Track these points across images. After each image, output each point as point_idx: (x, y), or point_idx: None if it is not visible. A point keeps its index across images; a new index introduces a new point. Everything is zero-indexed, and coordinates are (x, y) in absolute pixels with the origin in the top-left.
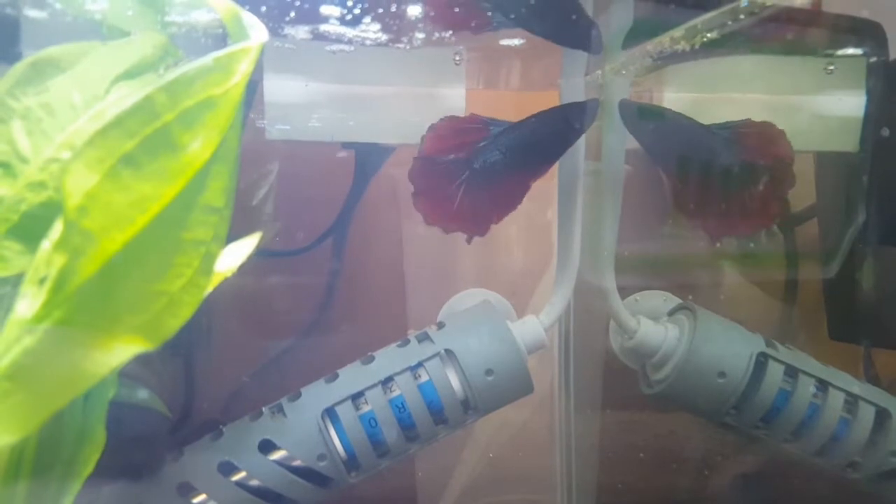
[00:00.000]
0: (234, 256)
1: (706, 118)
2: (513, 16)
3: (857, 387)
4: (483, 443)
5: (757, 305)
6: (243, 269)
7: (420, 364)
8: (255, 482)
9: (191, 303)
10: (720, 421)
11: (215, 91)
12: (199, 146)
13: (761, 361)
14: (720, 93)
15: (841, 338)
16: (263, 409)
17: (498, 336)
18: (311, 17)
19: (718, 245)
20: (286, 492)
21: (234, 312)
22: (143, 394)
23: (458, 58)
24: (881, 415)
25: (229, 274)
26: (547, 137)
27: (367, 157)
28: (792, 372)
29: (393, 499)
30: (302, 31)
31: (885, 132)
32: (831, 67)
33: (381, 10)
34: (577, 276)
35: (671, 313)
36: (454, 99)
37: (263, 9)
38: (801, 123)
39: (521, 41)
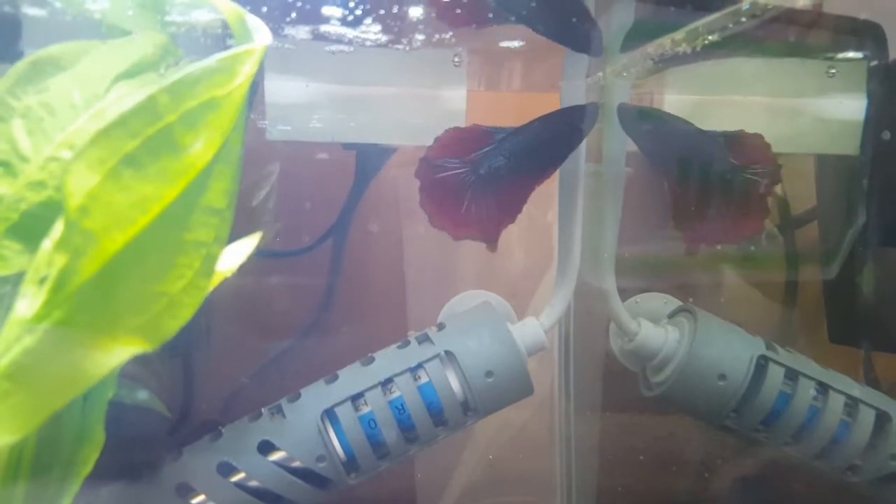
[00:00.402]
0: (234, 256)
1: (708, 121)
2: (515, 14)
3: (857, 390)
4: (483, 444)
5: (757, 308)
6: (244, 269)
7: (420, 365)
8: (254, 483)
9: (191, 304)
10: (720, 424)
11: (218, 92)
12: (201, 147)
13: (762, 364)
14: (722, 95)
15: (841, 341)
16: (263, 409)
17: (498, 338)
18: (311, 17)
19: (718, 248)
20: (285, 493)
21: (234, 313)
22: (142, 394)
23: (457, 59)
24: (881, 418)
25: (229, 274)
26: (550, 141)
27: (368, 158)
28: (792, 375)
29: (392, 500)
30: (302, 32)
31: (886, 135)
32: (833, 70)
33: (381, 11)
34: (578, 277)
35: (671, 316)
36: (455, 100)
37: (264, 9)
38: (802, 126)
39: (522, 43)
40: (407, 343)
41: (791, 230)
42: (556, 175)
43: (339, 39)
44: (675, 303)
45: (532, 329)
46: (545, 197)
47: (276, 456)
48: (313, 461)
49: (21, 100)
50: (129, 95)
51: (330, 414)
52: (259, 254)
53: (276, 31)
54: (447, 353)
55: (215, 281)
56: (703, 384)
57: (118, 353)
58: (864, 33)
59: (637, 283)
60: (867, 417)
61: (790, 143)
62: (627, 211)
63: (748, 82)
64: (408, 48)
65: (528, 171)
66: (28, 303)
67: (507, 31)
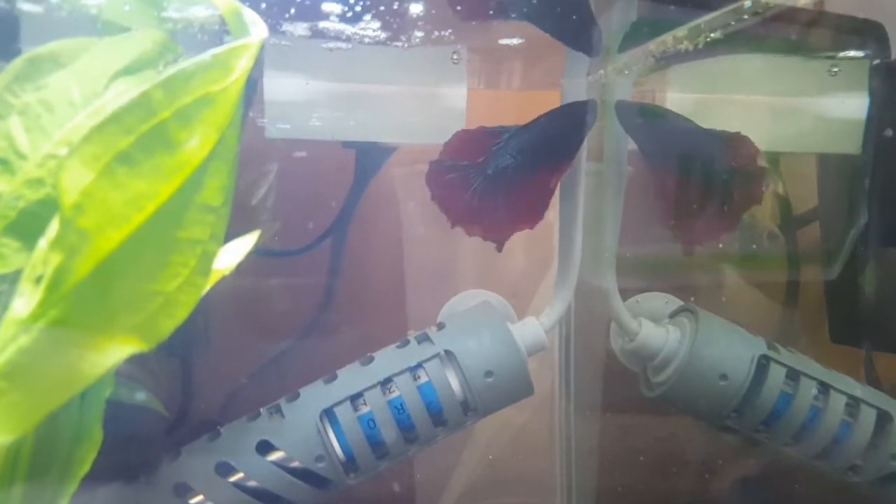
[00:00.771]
0: (231, 255)
1: (709, 120)
2: (516, 10)
3: (858, 390)
4: (483, 445)
5: (759, 308)
6: (242, 268)
7: (419, 365)
8: (252, 483)
9: (187, 303)
10: (721, 424)
11: (213, 88)
12: (196, 144)
13: (763, 364)
14: (724, 94)
15: (842, 341)
16: (261, 409)
17: (498, 337)
18: (309, 14)
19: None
20: (284, 493)
21: (232, 312)
22: (140, 394)
23: (455, 57)
24: (882, 418)
25: (227, 272)
26: (556, 137)
27: (368, 157)
28: (793, 375)
29: (392, 501)
30: (300, 29)
31: (889, 133)
32: (835, 69)
33: (380, 8)
34: (579, 277)
35: (672, 315)
36: (455, 98)
37: (263, 5)
38: (804, 125)
39: (522, 40)
40: (406, 342)
41: (793, 230)
42: None
43: (337, 36)
44: (676, 302)
45: (532, 329)
46: None
47: (274, 456)
48: (312, 461)
49: (19, 97)
50: (128, 93)
51: (329, 414)
52: (258, 253)
53: (275, 28)
54: (447, 352)
55: (212, 279)
56: (704, 384)
57: (114, 352)
58: (865, 32)
59: (638, 283)
60: (868, 417)
61: (792, 142)
62: (628, 210)
63: (750, 81)
64: (406, 45)
65: (538, 168)
66: (24, 301)
67: (507, 28)
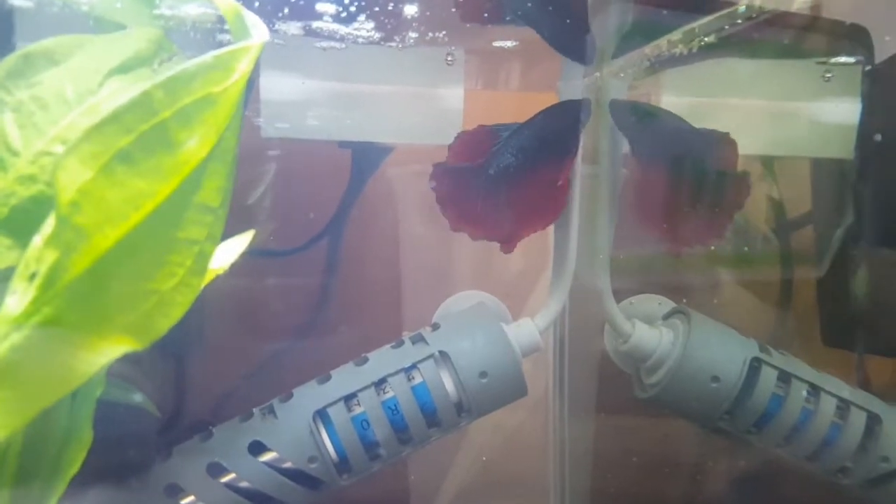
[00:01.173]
0: (226, 254)
1: (704, 123)
2: (511, 13)
3: (848, 392)
4: (477, 446)
5: (751, 310)
6: (238, 268)
7: (414, 366)
8: (244, 484)
9: (182, 303)
10: (713, 425)
11: (214, 89)
12: (195, 144)
13: (755, 366)
14: (718, 98)
15: (834, 344)
16: (254, 410)
17: (492, 338)
18: (303, 13)
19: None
20: (276, 494)
21: (227, 312)
22: (131, 393)
23: (450, 58)
24: (872, 420)
25: (221, 272)
26: (554, 134)
27: (364, 157)
28: (785, 377)
29: (385, 502)
30: (294, 28)
31: (879, 138)
32: (829, 75)
33: (374, 9)
34: (573, 278)
35: (666, 317)
36: (453, 99)
37: (256, 4)
38: (798, 129)
39: (516, 42)
40: (401, 343)
41: (786, 233)
42: None
43: (330, 36)
44: (669, 304)
45: (527, 330)
46: None
47: (266, 457)
48: (305, 462)
49: (12, 93)
50: (123, 91)
51: (322, 414)
52: (254, 253)
53: (268, 27)
54: (441, 353)
55: (207, 278)
56: (696, 386)
57: (107, 351)
58: (851, 37)
59: (632, 285)
60: (858, 420)
61: (786, 146)
62: (623, 212)
63: (745, 85)
64: (400, 46)
65: (540, 165)
66: (17, 299)
67: (503, 30)
